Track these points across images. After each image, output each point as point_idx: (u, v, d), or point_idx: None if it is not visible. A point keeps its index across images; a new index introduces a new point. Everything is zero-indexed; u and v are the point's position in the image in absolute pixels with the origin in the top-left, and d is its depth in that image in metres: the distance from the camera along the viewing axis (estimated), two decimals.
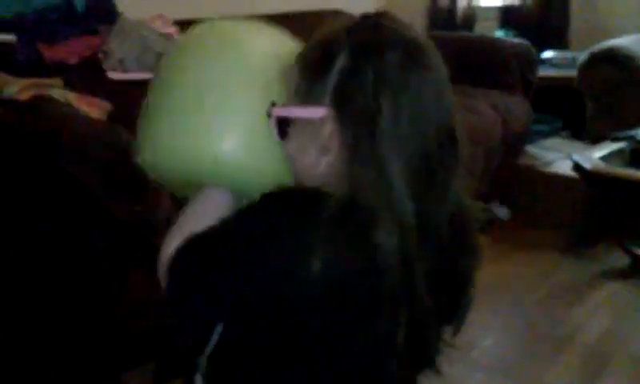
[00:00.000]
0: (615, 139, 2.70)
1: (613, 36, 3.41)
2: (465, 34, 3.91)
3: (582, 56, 3.30)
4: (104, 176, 1.64)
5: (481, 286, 2.54)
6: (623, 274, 2.48)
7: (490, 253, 2.80)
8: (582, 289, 2.38)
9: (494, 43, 3.41)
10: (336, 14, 3.30)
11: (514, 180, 2.98)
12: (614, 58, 3.15)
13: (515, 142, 3.02)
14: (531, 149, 3.17)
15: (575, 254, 2.65)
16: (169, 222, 1.69)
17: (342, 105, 0.79)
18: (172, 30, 2.52)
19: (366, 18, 0.84)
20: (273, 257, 0.75)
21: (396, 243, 0.74)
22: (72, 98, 1.95)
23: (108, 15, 2.39)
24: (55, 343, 1.63)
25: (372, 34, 0.81)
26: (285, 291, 0.76)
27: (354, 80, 0.78)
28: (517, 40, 3.29)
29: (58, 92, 1.94)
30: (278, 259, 0.75)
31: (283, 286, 0.76)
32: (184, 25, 2.58)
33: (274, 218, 0.78)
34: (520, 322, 2.20)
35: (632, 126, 2.89)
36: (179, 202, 1.78)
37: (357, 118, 0.77)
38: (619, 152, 2.55)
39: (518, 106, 3.08)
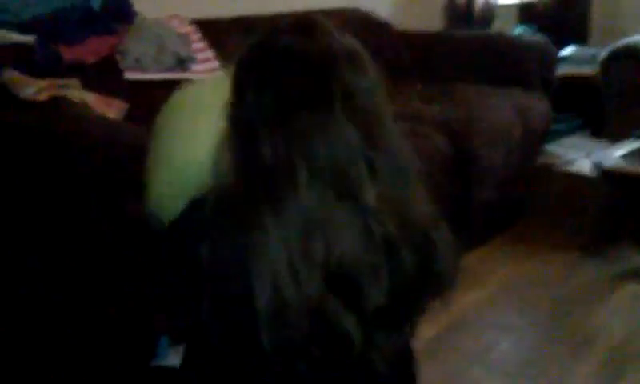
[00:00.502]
0: (636, 137, 2.66)
1: (634, 32, 3.37)
2: (483, 31, 3.87)
3: (603, 53, 3.27)
4: (117, 176, 1.64)
5: (500, 287, 2.54)
6: None
7: (511, 254, 2.79)
8: (603, 290, 2.35)
9: (513, 40, 3.37)
10: (354, 11, 3.29)
11: (534, 179, 2.94)
12: (635, 55, 3.12)
13: (535, 141, 2.98)
14: (551, 148, 3.13)
15: (596, 254, 2.61)
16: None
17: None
18: (188, 29, 2.53)
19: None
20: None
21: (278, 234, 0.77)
22: (89, 98, 1.96)
23: (125, 15, 2.40)
24: (65, 345, 1.64)
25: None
26: None
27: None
28: (535, 37, 3.25)
29: (76, 93, 1.95)
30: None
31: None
32: (200, 24, 2.59)
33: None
34: (541, 324, 2.18)
35: None
36: None
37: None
38: (638, 152, 2.52)
39: (537, 104, 3.05)
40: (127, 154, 1.65)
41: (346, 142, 0.79)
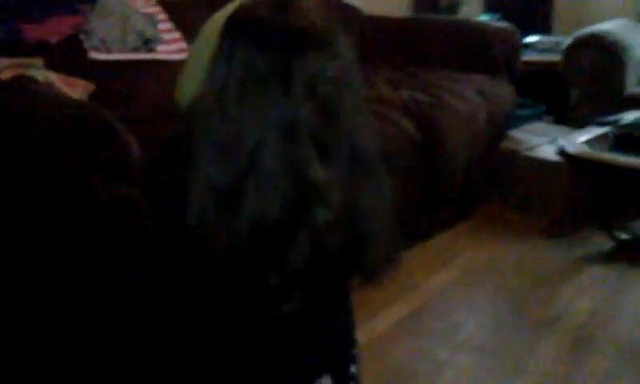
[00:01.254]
0: (599, 124, 2.71)
1: (596, 21, 3.43)
2: (449, 17, 3.90)
3: (566, 41, 3.32)
4: (83, 157, 1.61)
5: (467, 269, 2.57)
6: (608, 258, 2.50)
7: (476, 237, 2.83)
8: (568, 272, 2.40)
9: (479, 27, 3.40)
10: None
11: (499, 164, 2.98)
12: (597, 43, 3.17)
13: (499, 126, 3.02)
14: (515, 133, 3.18)
15: (560, 237, 2.66)
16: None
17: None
18: (154, 9, 2.49)
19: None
20: None
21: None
22: (53, 78, 1.92)
23: None
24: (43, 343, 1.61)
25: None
26: None
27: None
28: (501, 24, 3.28)
29: (40, 72, 1.90)
30: None
31: None
32: (166, 4, 2.55)
33: None
34: (506, 305, 2.21)
35: (615, 111, 2.92)
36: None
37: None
38: (603, 137, 2.57)
39: (502, 91, 3.09)
40: (92, 134, 1.62)
41: (297, 120, 0.82)
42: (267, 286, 0.84)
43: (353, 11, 3.39)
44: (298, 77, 0.82)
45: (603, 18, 3.49)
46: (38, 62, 1.96)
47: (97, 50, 2.24)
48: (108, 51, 2.25)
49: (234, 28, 0.88)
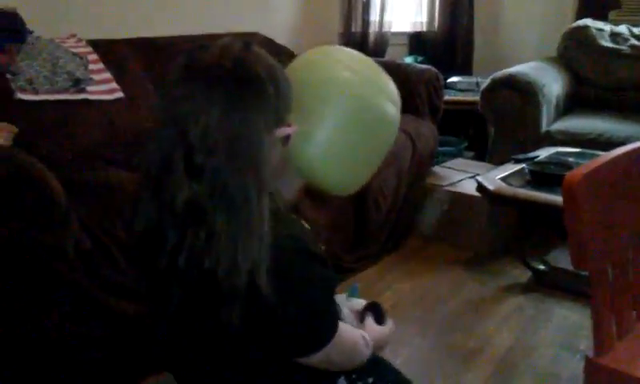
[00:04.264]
0: (516, 161, 2.85)
1: (512, 63, 3.63)
2: (376, 59, 4.01)
3: (485, 81, 3.49)
4: (6, 207, 1.58)
5: (395, 302, 2.62)
6: (526, 288, 2.62)
7: (401, 270, 2.88)
8: (489, 303, 2.50)
9: (404, 69, 3.52)
10: (253, 35, 3.34)
11: (423, 199, 3.08)
12: (513, 84, 3.34)
13: (424, 162, 3.14)
14: (438, 169, 3.30)
15: (482, 269, 2.77)
16: (77, 246, 1.67)
17: None
18: (85, 50, 2.48)
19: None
20: None
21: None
22: None
23: (16, 33, 2.32)
24: None
25: None
26: None
27: None
28: (425, 66, 3.43)
29: None
30: None
31: None
32: (98, 45, 2.55)
33: None
34: (432, 337, 2.27)
35: (532, 148, 3.08)
36: (88, 228, 1.75)
37: None
38: (519, 173, 2.70)
39: (426, 129, 3.22)
40: (15, 184, 1.60)
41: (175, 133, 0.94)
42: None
43: (285, 52, 3.46)
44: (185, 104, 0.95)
45: (519, 61, 3.69)
46: None
47: (24, 90, 2.21)
48: (35, 92, 2.23)
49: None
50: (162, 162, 0.95)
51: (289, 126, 1.05)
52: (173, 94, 0.96)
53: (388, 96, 1.39)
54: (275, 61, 1.04)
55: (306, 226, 1.14)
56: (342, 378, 1.16)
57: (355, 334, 1.17)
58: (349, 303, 1.35)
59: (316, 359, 1.07)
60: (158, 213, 0.97)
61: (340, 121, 1.28)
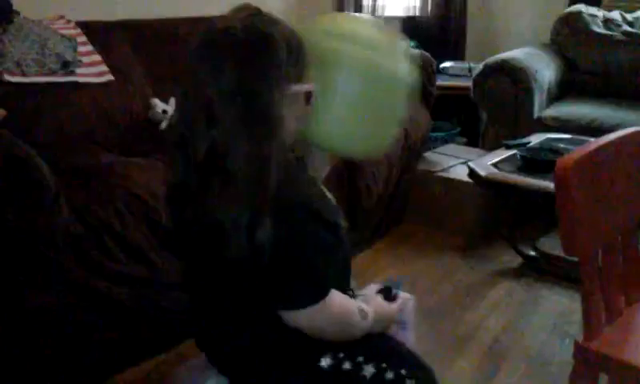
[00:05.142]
0: (507, 146, 2.85)
1: (505, 49, 3.62)
2: None
3: (477, 67, 3.48)
4: None
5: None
6: (516, 274, 2.63)
7: (394, 256, 2.88)
8: (480, 288, 2.51)
9: None
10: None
11: (415, 185, 3.08)
12: (506, 69, 3.34)
13: (416, 148, 3.13)
14: (430, 155, 3.30)
15: (473, 255, 2.79)
16: (68, 231, 1.66)
17: None
18: (74, 32, 2.45)
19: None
20: None
21: None
22: None
23: (3, 14, 2.29)
24: None
25: None
26: None
27: None
28: (418, 51, 3.41)
29: None
30: None
31: None
32: (86, 27, 2.52)
33: None
34: (424, 322, 2.27)
35: (524, 133, 3.09)
36: (78, 212, 1.74)
37: None
38: (511, 159, 2.70)
39: (418, 115, 3.20)
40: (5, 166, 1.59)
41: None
42: None
43: None
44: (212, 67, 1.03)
45: (511, 46, 3.68)
46: None
47: (11, 72, 2.18)
48: (24, 74, 2.20)
49: None
50: (186, 121, 1.04)
51: (307, 83, 1.11)
52: (192, 63, 1.04)
53: (397, 56, 1.34)
54: (287, 24, 1.10)
55: (330, 196, 1.20)
56: (329, 355, 1.15)
57: (350, 304, 1.17)
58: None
59: (301, 321, 1.10)
60: (184, 167, 1.05)
61: (351, 92, 1.25)
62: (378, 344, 1.23)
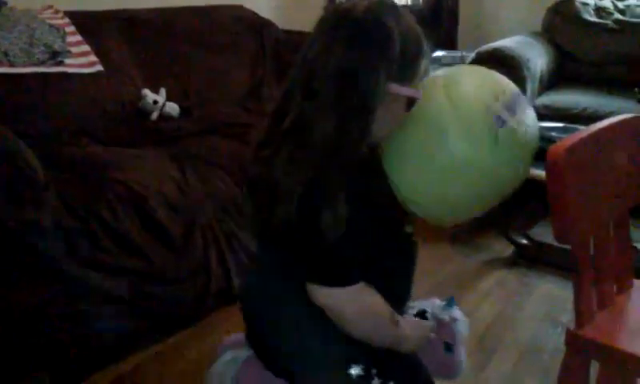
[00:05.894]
0: None
1: (497, 37, 3.61)
2: None
3: (469, 56, 3.47)
4: None
5: None
6: (509, 263, 2.63)
7: None
8: (472, 277, 2.51)
9: None
10: (237, 8, 3.30)
11: None
12: (498, 58, 3.32)
13: None
14: None
15: (464, 244, 2.79)
16: (58, 226, 1.65)
17: None
18: (63, 21, 2.42)
19: None
20: None
21: None
22: None
23: None
24: None
25: None
26: None
27: None
28: None
29: None
30: None
31: None
32: (76, 16, 2.50)
33: None
34: None
35: None
36: (68, 204, 1.72)
37: None
38: None
39: None
40: None
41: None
42: None
43: (269, 25, 3.42)
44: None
45: (504, 35, 3.67)
46: None
47: None
48: (11, 64, 2.18)
49: None
50: (286, 89, 1.07)
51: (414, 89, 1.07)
52: (308, 42, 1.05)
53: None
54: (415, 23, 1.09)
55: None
56: (360, 365, 1.13)
57: (383, 306, 1.13)
58: (441, 311, 1.33)
59: (325, 300, 1.07)
60: (271, 130, 1.07)
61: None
62: (413, 371, 1.20)
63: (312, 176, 0.99)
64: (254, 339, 1.23)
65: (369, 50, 1.01)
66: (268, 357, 1.20)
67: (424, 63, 1.10)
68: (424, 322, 1.26)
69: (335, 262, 1.07)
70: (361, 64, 1.00)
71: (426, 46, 1.10)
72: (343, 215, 0.99)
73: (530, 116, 1.17)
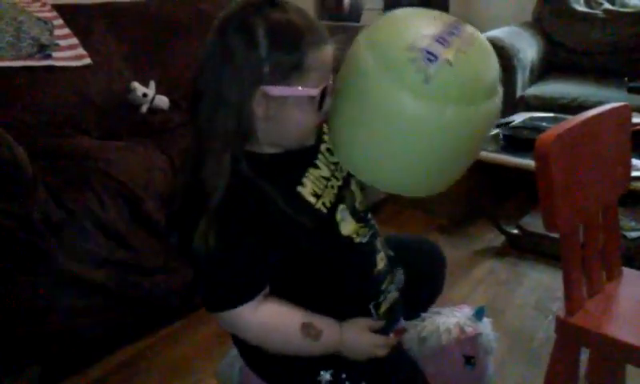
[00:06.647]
0: None
1: (487, 28, 3.61)
2: (351, 24, 3.99)
3: None
4: None
5: None
6: (499, 252, 2.64)
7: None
8: (463, 267, 2.52)
9: None
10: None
11: None
12: None
13: None
14: None
15: (456, 234, 2.79)
16: (47, 218, 1.64)
17: None
18: (50, 14, 2.41)
19: None
20: None
21: None
22: None
23: None
24: None
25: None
26: None
27: None
28: None
29: None
30: None
31: None
32: (63, 9, 2.48)
33: None
34: None
35: (508, 112, 3.08)
36: (57, 197, 1.71)
37: None
38: (494, 138, 2.70)
39: None
40: None
41: None
42: None
43: None
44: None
45: (494, 25, 3.67)
46: None
47: None
48: None
49: None
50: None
51: (295, 87, 0.97)
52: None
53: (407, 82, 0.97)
54: (301, 19, 0.98)
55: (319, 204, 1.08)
56: (330, 371, 1.10)
57: (290, 315, 1.05)
58: (466, 322, 1.24)
59: (226, 326, 1.06)
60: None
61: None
62: (389, 374, 1.14)
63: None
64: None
65: (232, 57, 0.96)
66: (245, 359, 1.20)
67: (314, 56, 0.97)
68: (382, 336, 1.13)
69: (219, 283, 1.02)
70: (226, 74, 0.96)
71: (314, 37, 0.98)
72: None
73: (478, 46, 1.01)
